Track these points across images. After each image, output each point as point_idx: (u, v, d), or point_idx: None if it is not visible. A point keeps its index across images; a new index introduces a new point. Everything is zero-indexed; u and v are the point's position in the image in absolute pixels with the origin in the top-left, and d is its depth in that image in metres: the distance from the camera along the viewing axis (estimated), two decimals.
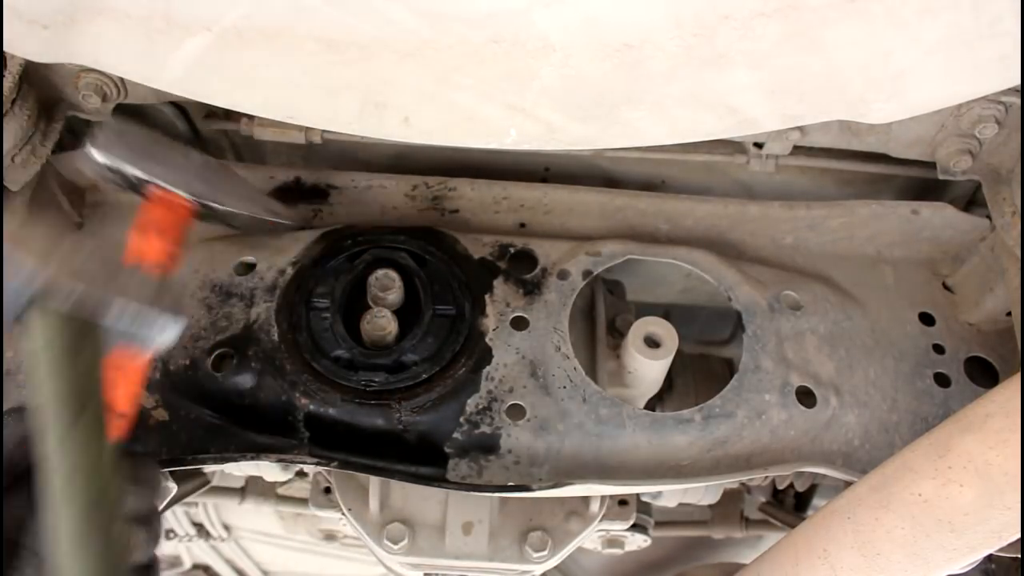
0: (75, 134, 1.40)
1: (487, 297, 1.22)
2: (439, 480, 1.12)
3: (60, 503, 0.64)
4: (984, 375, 1.25)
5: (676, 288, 1.50)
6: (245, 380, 1.14)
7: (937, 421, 1.18)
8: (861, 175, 1.44)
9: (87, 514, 0.64)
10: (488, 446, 1.13)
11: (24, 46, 0.99)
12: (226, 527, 2.33)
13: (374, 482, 1.38)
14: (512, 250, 1.28)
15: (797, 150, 1.32)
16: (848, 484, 1.07)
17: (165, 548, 2.42)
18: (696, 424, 1.14)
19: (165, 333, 0.84)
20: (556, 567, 1.54)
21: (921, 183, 1.45)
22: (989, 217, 1.24)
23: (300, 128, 1.31)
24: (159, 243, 0.97)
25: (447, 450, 1.13)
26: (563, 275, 1.24)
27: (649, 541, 1.68)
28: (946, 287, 1.34)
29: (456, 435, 1.13)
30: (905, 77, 0.88)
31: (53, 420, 0.70)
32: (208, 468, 1.61)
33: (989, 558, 1.38)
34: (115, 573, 0.65)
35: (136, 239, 0.96)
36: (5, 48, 0.98)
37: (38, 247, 0.75)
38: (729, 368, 1.46)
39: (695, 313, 1.64)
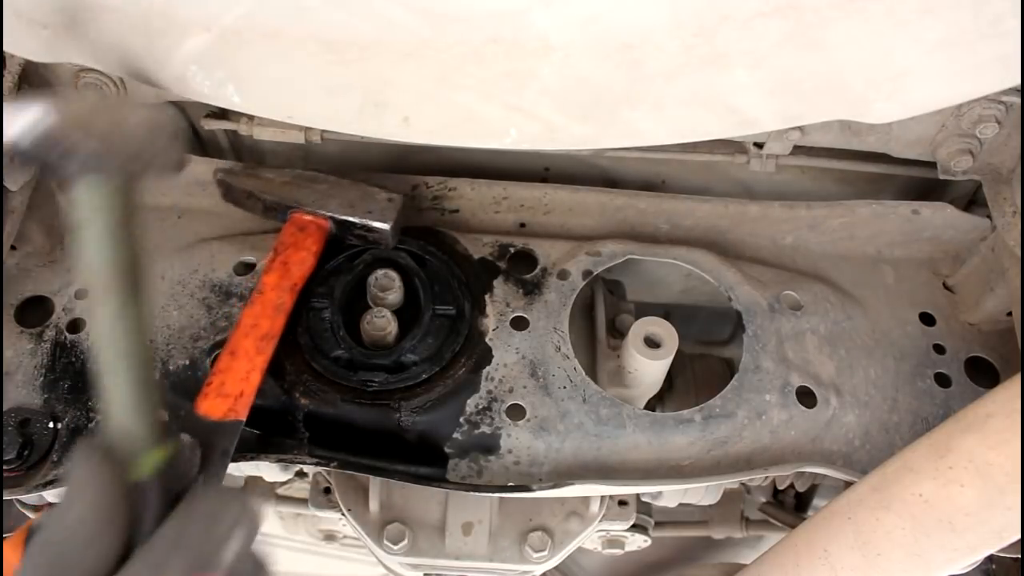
0: None
1: (487, 297, 1.22)
2: (439, 480, 1.12)
3: (111, 374, 0.71)
4: (985, 375, 1.25)
5: (676, 288, 1.50)
6: None
7: (937, 421, 1.18)
8: (862, 175, 1.44)
9: (136, 383, 0.72)
10: (488, 446, 1.13)
11: (24, 46, 0.98)
12: None
13: (374, 482, 1.38)
14: (512, 250, 1.28)
15: (797, 150, 1.32)
16: (848, 484, 1.07)
17: None
18: (696, 424, 1.14)
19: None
20: (556, 567, 1.53)
21: (922, 183, 1.45)
22: (990, 217, 1.24)
23: (300, 128, 1.31)
24: (300, 257, 1.13)
25: (447, 450, 1.13)
26: (563, 275, 1.24)
27: (649, 541, 1.67)
28: (947, 287, 1.34)
29: (456, 435, 1.13)
30: (905, 77, 0.88)
31: (103, 293, 0.71)
32: None
33: (990, 559, 1.38)
34: (152, 433, 0.72)
35: (281, 258, 1.12)
36: (5, 48, 0.98)
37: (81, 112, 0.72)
38: (729, 368, 1.45)
39: (695, 313, 1.64)
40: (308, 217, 1.18)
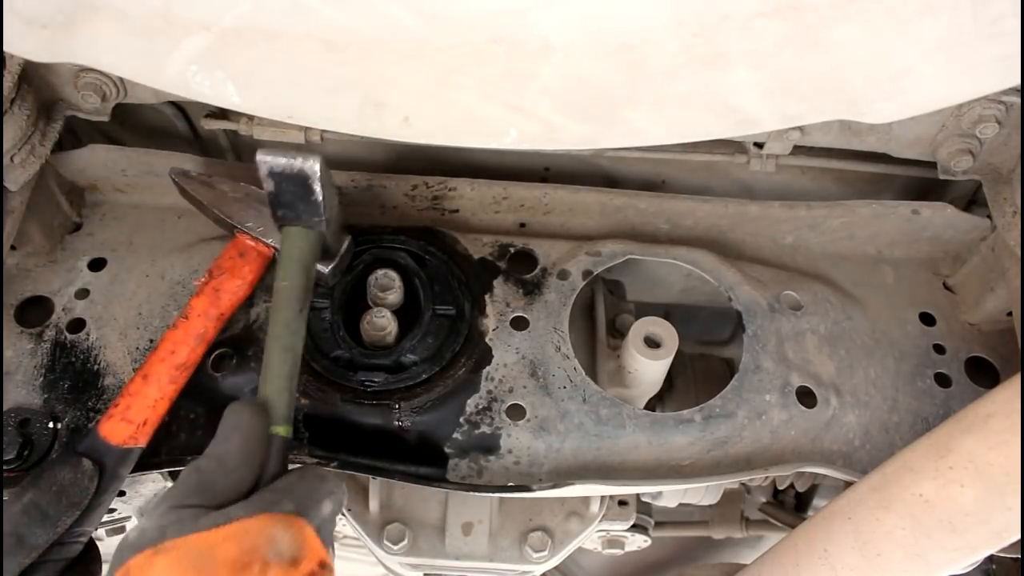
0: (74, 134, 1.40)
1: (487, 297, 1.22)
2: (439, 480, 1.12)
3: (273, 361, 0.94)
4: (985, 375, 1.25)
5: (676, 288, 1.50)
6: (245, 380, 1.13)
7: (937, 421, 1.18)
8: (862, 175, 1.44)
9: (288, 371, 0.94)
10: (488, 446, 1.13)
11: (24, 46, 0.98)
12: None
13: (374, 482, 1.38)
14: (512, 250, 1.28)
15: (797, 150, 1.32)
16: (848, 484, 1.07)
17: None
18: (696, 424, 1.14)
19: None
20: (556, 567, 1.54)
21: (922, 183, 1.45)
22: (990, 217, 1.24)
23: (300, 128, 1.31)
24: (234, 286, 1.12)
25: (447, 450, 1.13)
26: (563, 275, 1.24)
27: (649, 541, 1.68)
28: (947, 287, 1.34)
29: (456, 435, 1.13)
30: (905, 77, 0.88)
31: (287, 305, 0.96)
32: None
33: (990, 559, 1.38)
34: (289, 409, 0.93)
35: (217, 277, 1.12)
36: (5, 48, 0.98)
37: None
38: (729, 368, 1.46)
39: (695, 313, 1.64)
40: (250, 243, 1.13)
